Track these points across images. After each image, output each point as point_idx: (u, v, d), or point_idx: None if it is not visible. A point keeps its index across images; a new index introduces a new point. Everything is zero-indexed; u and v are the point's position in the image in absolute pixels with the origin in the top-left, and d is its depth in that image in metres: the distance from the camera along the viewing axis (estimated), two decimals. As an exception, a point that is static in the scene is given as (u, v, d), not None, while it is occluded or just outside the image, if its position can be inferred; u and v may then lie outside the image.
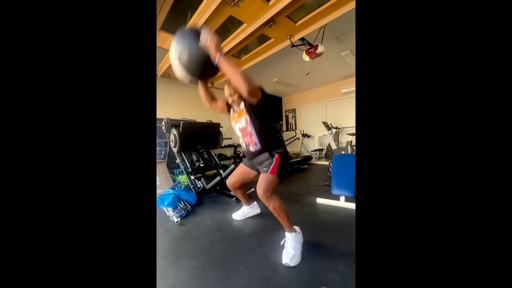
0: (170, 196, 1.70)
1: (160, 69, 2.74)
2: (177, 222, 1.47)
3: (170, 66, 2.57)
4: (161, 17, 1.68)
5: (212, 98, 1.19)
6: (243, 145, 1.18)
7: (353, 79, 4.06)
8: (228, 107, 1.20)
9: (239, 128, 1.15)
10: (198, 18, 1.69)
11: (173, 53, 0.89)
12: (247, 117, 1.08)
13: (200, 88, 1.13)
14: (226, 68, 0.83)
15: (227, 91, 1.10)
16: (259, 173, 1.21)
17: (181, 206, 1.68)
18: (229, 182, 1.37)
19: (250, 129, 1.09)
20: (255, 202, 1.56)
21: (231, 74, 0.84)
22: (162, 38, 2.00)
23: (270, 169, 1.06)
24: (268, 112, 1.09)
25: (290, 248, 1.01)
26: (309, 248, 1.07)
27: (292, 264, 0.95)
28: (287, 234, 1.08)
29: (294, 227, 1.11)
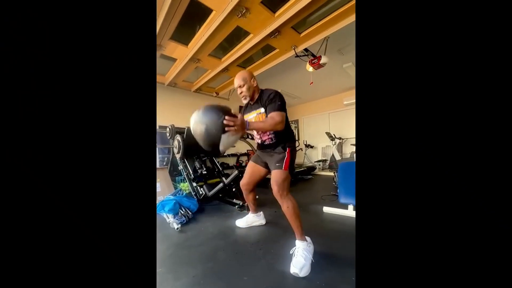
0: (171, 202, 1.65)
1: (167, 78, 2.82)
2: (177, 228, 1.40)
3: (177, 75, 2.67)
4: (171, 27, 1.76)
5: None
6: (258, 140, 1.20)
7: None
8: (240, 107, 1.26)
9: None
10: (207, 28, 1.77)
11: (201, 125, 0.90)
12: None
13: None
14: (256, 128, 0.97)
15: (236, 83, 1.14)
16: (268, 170, 1.21)
17: (182, 212, 1.61)
18: (242, 182, 1.35)
19: None
20: (261, 212, 1.50)
21: (263, 129, 0.98)
22: (171, 47, 2.08)
23: (283, 164, 1.05)
24: (284, 110, 1.09)
25: (300, 257, 0.94)
26: (319, 258, 0.99)
27: (302, 274, 0.87)
28: (298, 242, 1.01)
29: (305, 237, 1.04)
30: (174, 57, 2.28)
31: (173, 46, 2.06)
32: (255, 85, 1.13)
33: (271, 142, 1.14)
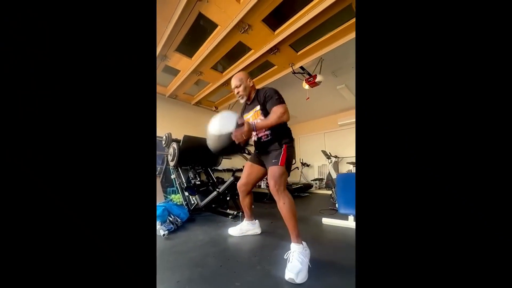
0: (159, 208, 1.53)
1: (169, 89, 2.91)
2: (163, 235, 1.27)
3: (178, 87, 2.76)
4: (178, 39, 1.89)
5: None
6: (254, 137, 1.18)
7: (349, 111, 4.30)
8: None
9: None
10: (211, 42, 1.91)
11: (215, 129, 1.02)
12: (262, 117, 1.11)
13: None
14: (263, 127, 1.02)
15: (232, 83, 1.19)
16: (266, 169, 1.17)
17: (171, 219, 1.49)
18: (240, 183, 1.30)
19: None
20: (256, 221, 1.40)
21: (270, 125, 1.01)
22: (176, 59, 2.20)
23: (280, 160, 1.02)
24: (284, 102, 1.10)
25: (296, 261, 0.84)
26: (318, 266, 0.89)
27: (298, 280, 0.77)
28: (293, 245, 0.93)
29: (302, 241, 0.96)
30: (177, 68, 2.39)
31: (178, 57, 2.18)
32: (251, 85, 1.18)
33: (267, 139, 1.13)
